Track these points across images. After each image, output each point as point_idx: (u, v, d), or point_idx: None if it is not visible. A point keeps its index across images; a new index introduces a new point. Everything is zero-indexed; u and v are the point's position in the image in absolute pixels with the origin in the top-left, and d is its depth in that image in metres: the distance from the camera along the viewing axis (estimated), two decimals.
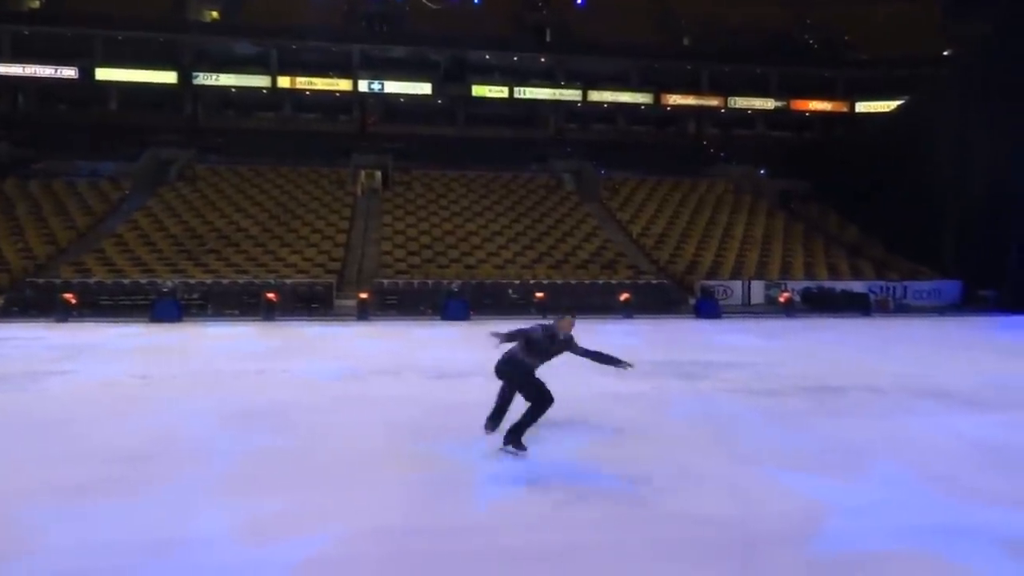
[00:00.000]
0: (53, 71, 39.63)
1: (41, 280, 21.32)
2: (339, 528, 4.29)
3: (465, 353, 12.36)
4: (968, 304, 24.43)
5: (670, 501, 4.87)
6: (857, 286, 24.39)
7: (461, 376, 10.06)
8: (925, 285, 25.76)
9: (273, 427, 6.83)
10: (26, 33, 39.82)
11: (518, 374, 6.03)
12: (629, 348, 13.01)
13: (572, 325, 6.21)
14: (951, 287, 25.51)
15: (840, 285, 24.51)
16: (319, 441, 6.40)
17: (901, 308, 23.96)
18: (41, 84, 40.05)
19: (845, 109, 45.28)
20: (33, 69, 39.44)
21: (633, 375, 9.78)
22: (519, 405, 6.07)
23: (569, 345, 6.15)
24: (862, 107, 44.53)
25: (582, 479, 5.31)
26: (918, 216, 28.01)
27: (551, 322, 6.28)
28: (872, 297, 23.28)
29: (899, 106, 36.73)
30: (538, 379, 6.05)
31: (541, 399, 5.92)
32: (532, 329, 6.12)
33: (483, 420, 6.30)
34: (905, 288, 25.39)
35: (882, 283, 25.38)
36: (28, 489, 4.93)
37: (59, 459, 5.72)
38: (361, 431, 6.75)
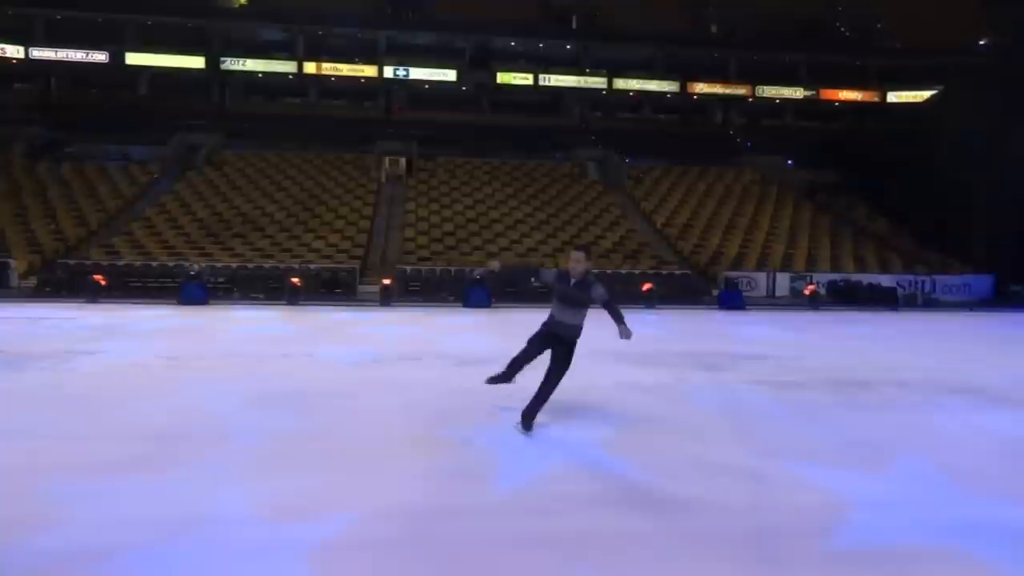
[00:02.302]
0: (84, 55, 40.20)
1: (72, 261, 21.74)
2: (357, 509, 4.35)
3: (486, 340, 12.41)
4: (1000, 299, 23.98)
5: (686, 491, 4.85)
6: (885, 279, 24.05)
7: (482, 363, 10.04)
8: (956, 279, 25.33)
9: (297, 410, 6.91)
10: (58, 18, 40.37)
11: (569, 337, 5.97)
12: (650, 338, 13.00)
13: (580, 260, 5.81)
14: (983, 281, 25.05)
15: (867, 278, 24.18)
16: (341, 424, 6.47)
17: (930, 302, 23.58)
18: (73, 68, 40.64)
19: (876, 99, 44.41)
20: (65, 53, 40.03)
21: (654, 365, 9.85)
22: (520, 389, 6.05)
23: (589, 290, 5.80)
24: (894, 97, 43.64)
25: (599, 467, 5.32)
26: (950, 209, 27.51)
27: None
28: (900, 291, 22.94)
29: (932, 96, 35.95)
30: (541, 332, 6.16)
31: (566, 366, 5.96)
32: (553, 286, 6.05)
33: (508, 404, 6.32)
34: (935, 282, 24.98)
35: (911, 277, 24.99)
36: (58, 464, 5.05)
37: (88, 436, 5.85)
38: (382, 415, 6.81)
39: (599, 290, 5.84)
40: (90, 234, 25.90)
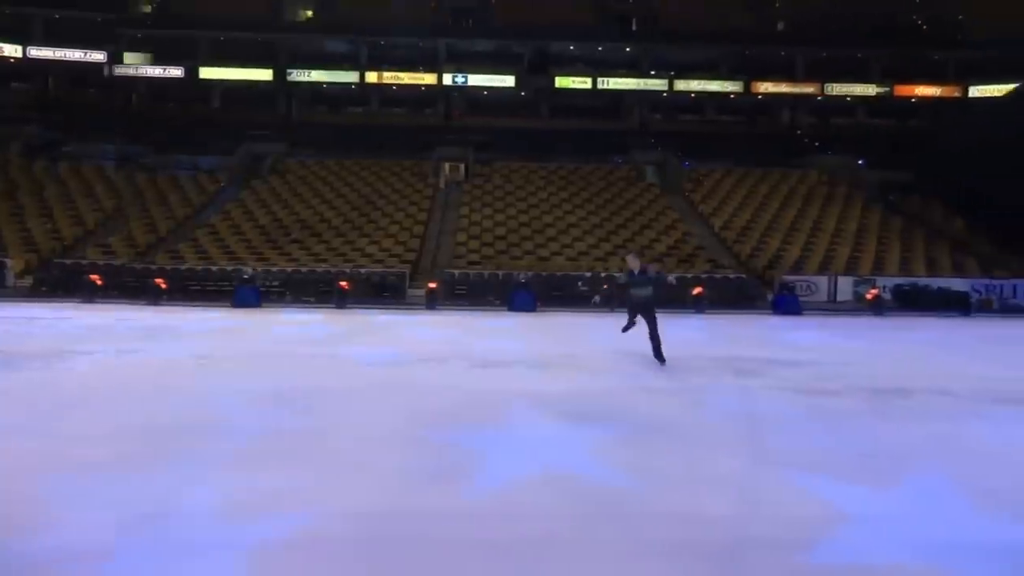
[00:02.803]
0: (162, 71, 42.32)
1: (68, 261, 22.62)
2: (318, 508, 4.29)
3: (519, 343, 12.27)
4: None
5: (668, 500, 4.60)
6: (957, 284, 22.62)
7: (505, 365, 9.98)
8: None
9: (299, 408, 6.96)
10: (139, 36, 42.62)
11: (643, 303, 9.70)
12: (689, 343, 12.57)
13: (634, 259, 10.00)
14: None
15: (938, 282, 22.79)
16: (338, 424, 6.46)
17: (1008, 309, 22.04)
18: (152, 83, 42.81)
19: (957, 94, 42.09)
20: (145, 70, 42.28)
21: (678, 370, 9.53)
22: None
23: (640, 283, 9.71)
24: (976, 91, 41.26)
25: (581, 474, 5.09)
26: None
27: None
28: (974, 296, 21.52)
29: (1014, 89, 33.72)
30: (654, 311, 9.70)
31: (654, 317, 9.65)
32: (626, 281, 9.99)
33: (514, 407, 7.04)
34: (1015, 287, 23.33)
35: (987, 281, 23.41)
36: (31, 464, 5.14)
37: (76, 435, 5.89)
38: (383, 416, 6.76)
39: (651, 270, 10.48)
40: (159, 240, 27.08)
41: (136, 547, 3.74)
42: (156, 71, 42.23)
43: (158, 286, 19.75)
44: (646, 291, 9.60)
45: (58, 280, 21.19)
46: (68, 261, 22.91)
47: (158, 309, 18.50)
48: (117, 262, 22.87)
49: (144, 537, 3.86)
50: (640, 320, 9.81)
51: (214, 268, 22.76)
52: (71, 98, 42.06)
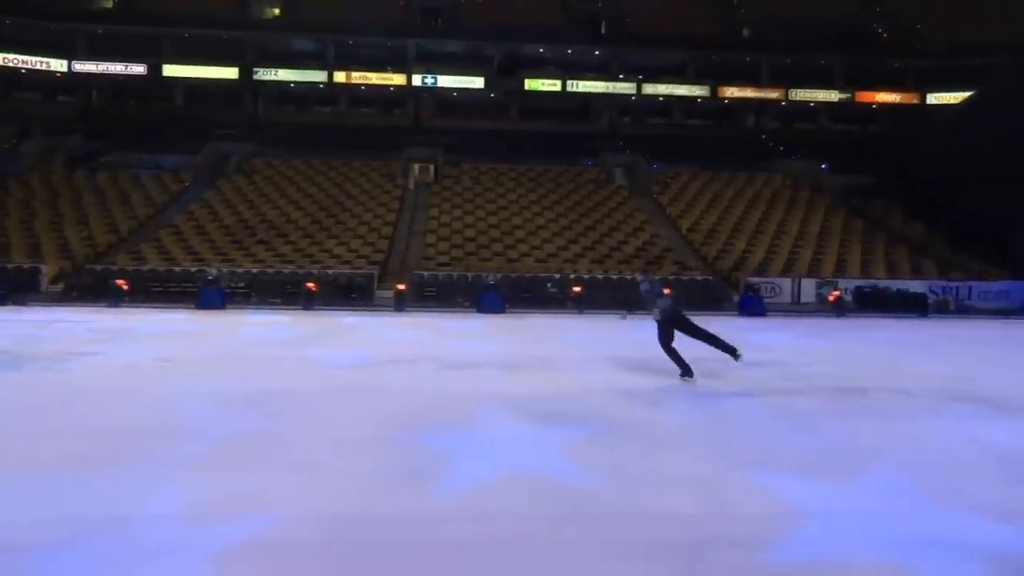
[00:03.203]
0: (124, 68, 41.47)
1: (99, 267, 22.27)
2: (284, 512, 4.23)
3: (487, 345, 12.26)
4: None
5: (635, 500, 4.64)
6: (916, 285, 23.20)
7: (475, 367, 9.97)
8: (993, 286, 24.32)
9: (266, 411, 6.86)
10: (100, 32, 41.69)
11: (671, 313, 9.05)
12: (653, 343, 12.66)
13: (640, 281, 9.34)
14: (1021, 289, 23.99)
15: (897, 284, 23.36)
16: (305, 426, 6.38)
17: (964, 310, 22.69)
18: (113, 80, 41.92)
19: (915, 101, 43.25)
20: (106, 66, 41.36)
21: (645, 371, 9.57)
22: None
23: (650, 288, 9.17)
24: (934, 99, 42.43)
25: (549, 476, 5.10)
26: (989, 214, 26.47)
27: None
28: (932, 297, 22.10)
29: (969, 97, 34.75)
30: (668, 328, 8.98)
31: (689, 322, 9.08)
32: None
33: (483, 408, 6.84)
34: (970, 289, 24.02)
35: (944, 283, 24.07)
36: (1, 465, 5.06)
37: (49, 435, 5.86)
38: (351, 419, 6.71)
39: (645, 284, 9.24)
40: (120, 240, 26.54)
41: (96, 549, 3.66)
42: (117, 68, 41.34)
43: (119, 287, 19.32)
44: (659, 303, 8.98)
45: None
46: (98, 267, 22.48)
47: (118, 311, 18.10)
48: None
49: (105, 539, 3.78)
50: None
51: (177, 269, 22.36)
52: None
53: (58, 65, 40.79)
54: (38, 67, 40.41)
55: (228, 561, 3.57)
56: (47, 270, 22.26)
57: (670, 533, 4.08)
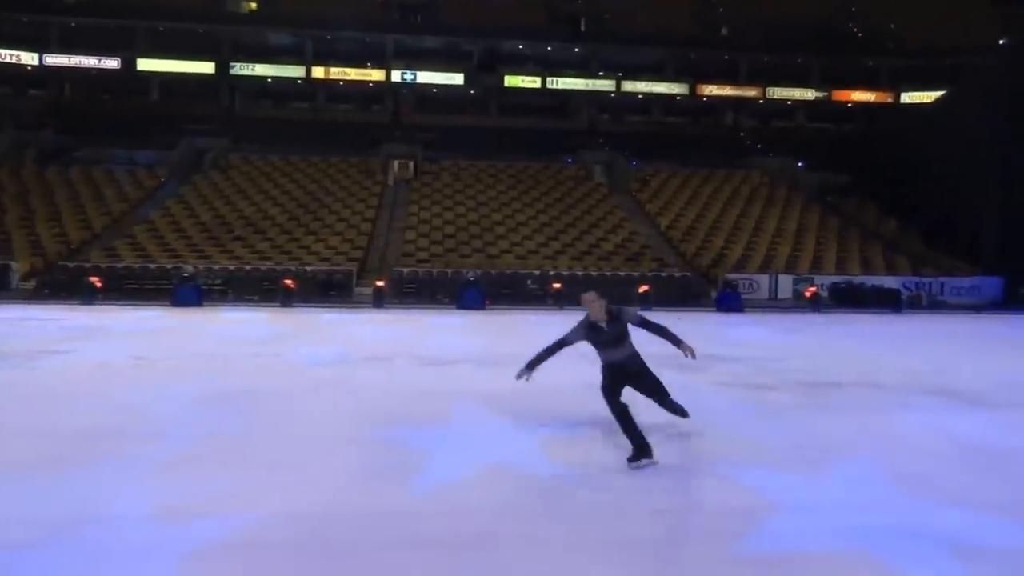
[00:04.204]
0: (97, 61, 40.76)
1: (72, 264, 21.92)
2: (258, 510, 4.20)
3: (467, 341, 12.25)
4: (1010, 302, 23.40)
5: (605, 495, 4.66)
6: (890, 281, 23.57)
7: (451, 363, 9.96)
8: (964, 281, 24.77)
9: (240, 409, 6.80)
10: (72, 25, 40.96)
11: (637, 365, 5.72)
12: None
13: (593, 299, 5.41)
14: (992, 284, 24.47)
15: (872, 280, 23.70)
16: (278, 424, 6.34)
17: (936, 305, 23.07)
18: (86, 74, 41.19)
19: (890, 100, 43.85)
20: (78, 60, 40.63)
21: None
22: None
23: (621, 318, 5.46)
24: (908, 98, 43.05)
25: (525, 472, 5.12)
26: (960, 210, 26.96)
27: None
28: (905, 293, 22.44)
29: (942, 96, 35.32)
30: (609, 385, 5.62)
31: (653, 378, 5.75)
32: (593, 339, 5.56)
33: (460, 405, 6.52)
34: (942, 284, 24.45)
35: (917, 279, 24.47)
36: None
37: (18, 435, 5.77)
38: (324, 416, 6.68)
39: (629, 312, 5.55)
40: (94, 237, 26.12)
41: (68, 549, 3.61)
42: (91, 61, 40.65)
43: (93, 285, 19.03)
44: (627, 347, 5.61)
45: None
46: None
47: (92, 309, 17.83)
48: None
49: (77, 539, 3.73)
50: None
51: (153, 266, 22.07)
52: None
53: (29, 58, 40.02)
54: (8, 60, 39.65)
55: (201, 561, 3.54)
56: (18, 267, 21.87)
57: (645, 527, 4.11)
